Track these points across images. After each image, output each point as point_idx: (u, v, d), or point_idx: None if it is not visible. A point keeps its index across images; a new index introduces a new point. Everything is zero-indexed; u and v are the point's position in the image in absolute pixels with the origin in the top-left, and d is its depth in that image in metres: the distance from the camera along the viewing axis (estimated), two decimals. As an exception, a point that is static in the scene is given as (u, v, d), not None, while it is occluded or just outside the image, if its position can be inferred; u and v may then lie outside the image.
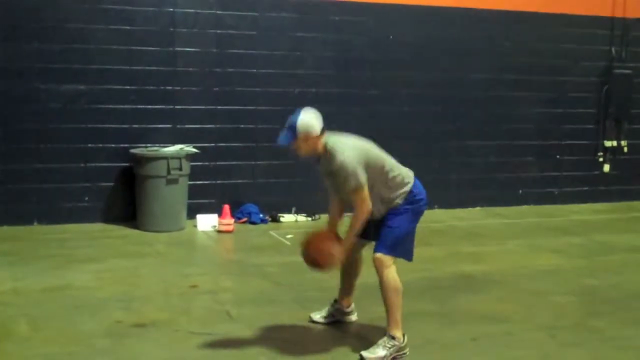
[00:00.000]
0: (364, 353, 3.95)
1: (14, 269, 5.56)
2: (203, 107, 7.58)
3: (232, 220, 7.20)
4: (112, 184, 7.31)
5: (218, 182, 7.69)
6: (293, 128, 3.84)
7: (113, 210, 7.32)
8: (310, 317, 4.53)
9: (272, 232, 7.19)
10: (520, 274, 5.83)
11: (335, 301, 4.52)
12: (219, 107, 7.64)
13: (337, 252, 3.98)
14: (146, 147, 7.24)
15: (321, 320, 4.50)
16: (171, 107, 7.47)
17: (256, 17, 7.68)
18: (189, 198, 7.29)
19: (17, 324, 4.35)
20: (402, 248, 4.03)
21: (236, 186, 7.73)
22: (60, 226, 7.04)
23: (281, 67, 7.76)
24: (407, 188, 4.02)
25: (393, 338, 3.97)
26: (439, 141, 8.55)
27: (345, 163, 3.81)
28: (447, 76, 8.47)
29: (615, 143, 9.36)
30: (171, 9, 7.38)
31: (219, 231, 7.10)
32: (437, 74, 8.43)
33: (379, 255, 3.96)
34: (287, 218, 7.75)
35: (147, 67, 7.34)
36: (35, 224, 7.09)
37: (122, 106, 7.29)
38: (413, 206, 4.03)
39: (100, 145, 7.25)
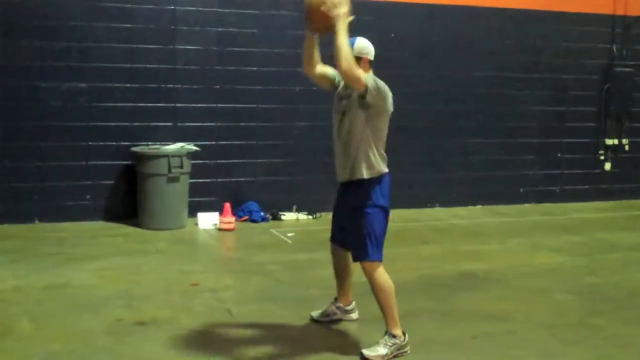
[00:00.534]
0: (365, 351, 3.95)
1: (15, 267, 5.56)
2: (204, 105, 7.58)
3: (233, 219, 7.21)
4: (113, 182, 7.32)
5: (219, 180, 7.69)
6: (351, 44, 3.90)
7: (114, 209, 7.33)
8: (311, 316, 4.53)
9: (273, 230, 7.19)
10: (521, 272, 5.83)
11: (336, 299, 4.52)
12: (219, 105, 7.64)
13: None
14: (147, 145, 7.24)
15: (322, 318, 4.49)
16: (172, 105, 7.47)
17: (257, 15, 7.68)
18: (190, 196, 7.30)
19: (18, 321, 4.35)
20: (380, 248, 4.02)
21: (237, 184, 7.74)
22: (62, 224, 7.05)
23: (282, 65, 7.74)
24: (375, 173, 3.99)
25: (394, 336, 3.97)
26: (440, 139, 8.55)
27: (377, 82, 3.88)
28: (448, 74, 8.47)
29: (616, 141, 9.36)
30: (172, 7, 7.38)
31: (220, 229, 7.10)
32: (439, 71, 8.43)
33: (365, 263, 3.97)
34: (288, 216, 7.76)
35: (148, 65, 7.34)
36: (36, 222, 7.10)
37: (123, 104, 7.30)
38: (376, 209, 3.99)
39: (101, 143, 7.25)
